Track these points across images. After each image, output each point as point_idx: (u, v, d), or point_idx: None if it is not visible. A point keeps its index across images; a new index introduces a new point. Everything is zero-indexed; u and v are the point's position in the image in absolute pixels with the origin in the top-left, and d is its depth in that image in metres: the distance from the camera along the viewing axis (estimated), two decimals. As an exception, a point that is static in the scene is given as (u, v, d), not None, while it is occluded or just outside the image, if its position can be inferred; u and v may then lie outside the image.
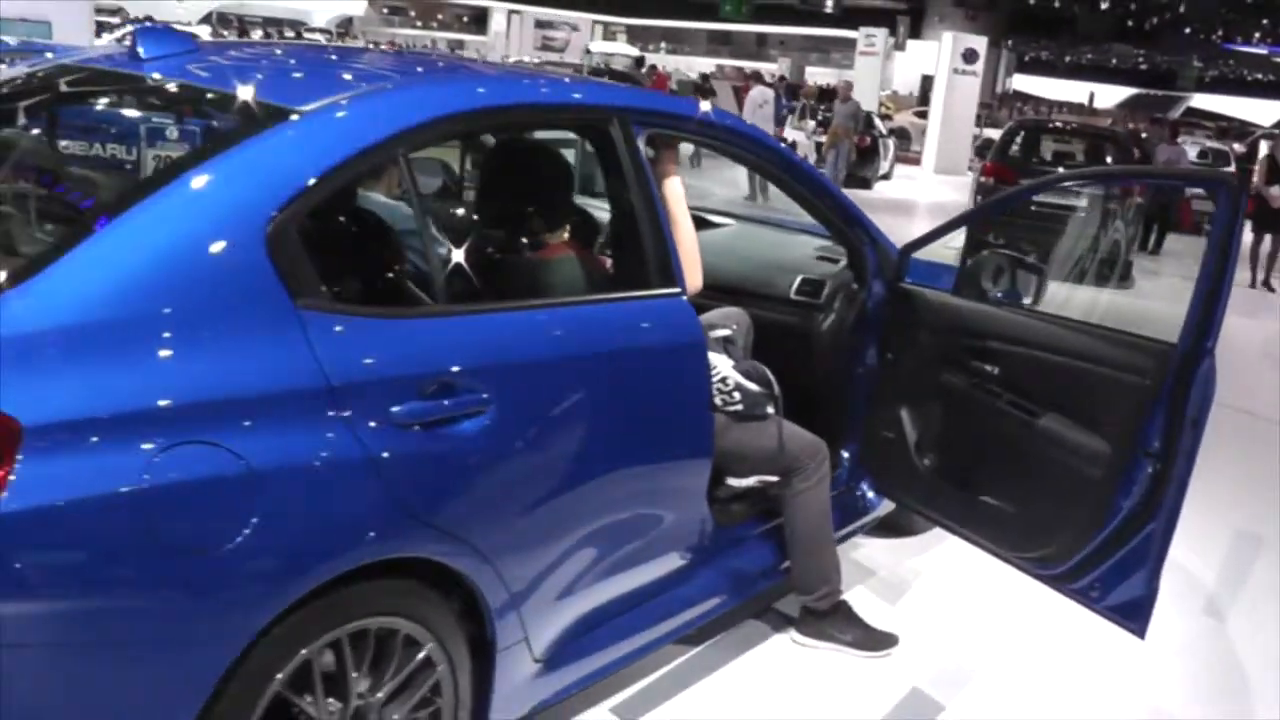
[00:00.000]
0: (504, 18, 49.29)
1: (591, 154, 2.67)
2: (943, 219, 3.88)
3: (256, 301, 1.74)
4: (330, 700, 1.87)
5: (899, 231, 3.95)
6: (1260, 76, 47.10)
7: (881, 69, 24.22)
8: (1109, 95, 41.83)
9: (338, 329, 1.83)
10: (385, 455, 1.85)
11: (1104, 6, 33.81)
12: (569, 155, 3.33)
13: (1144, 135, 12.37)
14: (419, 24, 52.21)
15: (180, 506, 1.60)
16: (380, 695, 1.96)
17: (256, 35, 26.37)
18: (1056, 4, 34.68)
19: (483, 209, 2.64)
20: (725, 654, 3.04)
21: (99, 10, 17.08)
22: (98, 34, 17.57)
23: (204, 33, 24.07)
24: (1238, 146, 18.39)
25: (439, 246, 2.14)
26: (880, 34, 24.00)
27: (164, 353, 1.63)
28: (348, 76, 2.41)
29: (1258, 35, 34.92)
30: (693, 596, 2.77)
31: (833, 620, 3.06)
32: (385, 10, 51.05)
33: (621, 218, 2.53)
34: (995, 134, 23.22)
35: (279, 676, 1.76)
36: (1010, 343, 2.98)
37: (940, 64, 20.85)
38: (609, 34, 52.42)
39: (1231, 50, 38.96)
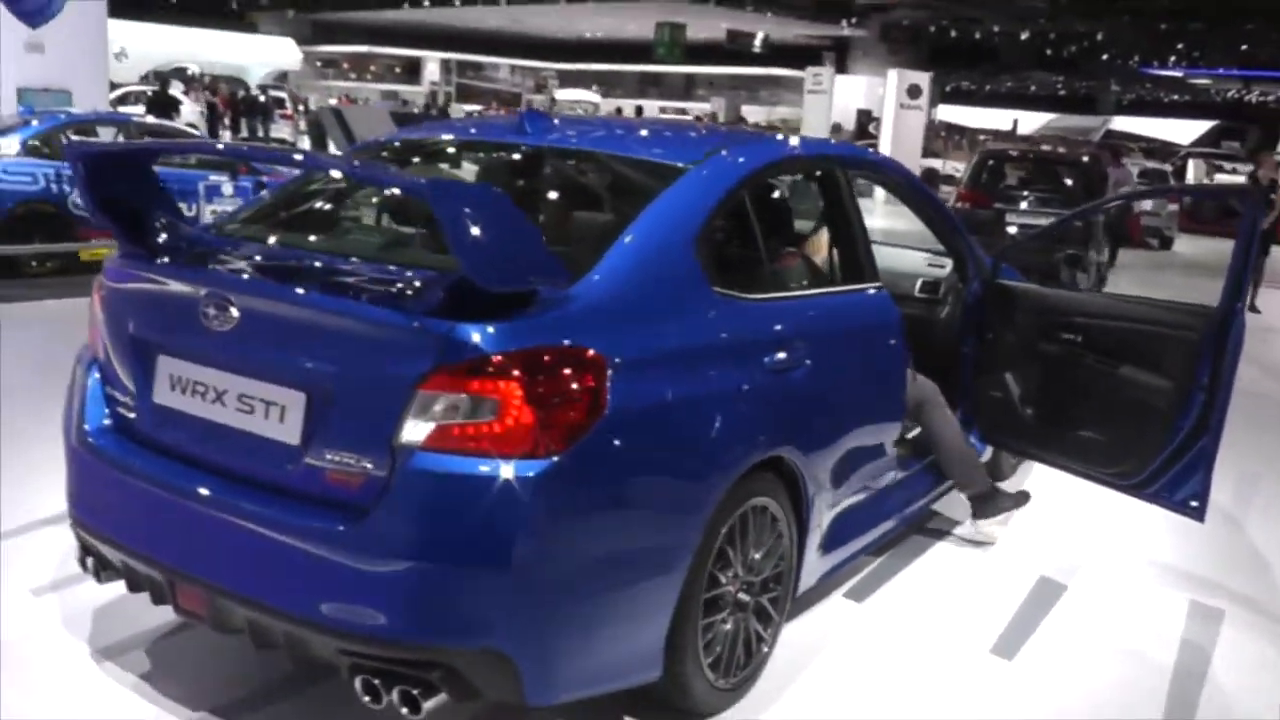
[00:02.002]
0: (437, 66, 50.37)
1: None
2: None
3: (695, 287, 2.76)
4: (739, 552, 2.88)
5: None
6: (1176, 98, 49.73)
7: (829, 106, 25.76)
8: (1031, 121, 44.12)
9: (733, 306, 2.86)
10: (765, 389, 2.88)
11: (1024, 37, 35.73)
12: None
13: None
14: (353, 76, 52.97)
15: (687, 413, 2.60)
16: (758, 555, 2.96)
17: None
18: (977, 35, 36.57)
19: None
20: (900, 561, 4.10)
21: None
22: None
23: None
24: (1166, 166, 20.09)
25: (755, 253, 3.16)
26: (827, 72, 25.63)
27: (661, 317, 2.63)
28: (694, 140, 3.40)
29: (1173, 59, 36.94)
30: (888, 512, 3.80)
31: (995, 498, 4.22)
32: (319, 64, 51.75)
33: (844, 235, 3.58)
34: (935, 163, 24.87)
35: (722, 531, 2.75)
36: (1091, 317, 4.07)
37: (888, 99, 22.37)
38: (540, 80, 53.97)
39: (1148, 74, 40.94)
